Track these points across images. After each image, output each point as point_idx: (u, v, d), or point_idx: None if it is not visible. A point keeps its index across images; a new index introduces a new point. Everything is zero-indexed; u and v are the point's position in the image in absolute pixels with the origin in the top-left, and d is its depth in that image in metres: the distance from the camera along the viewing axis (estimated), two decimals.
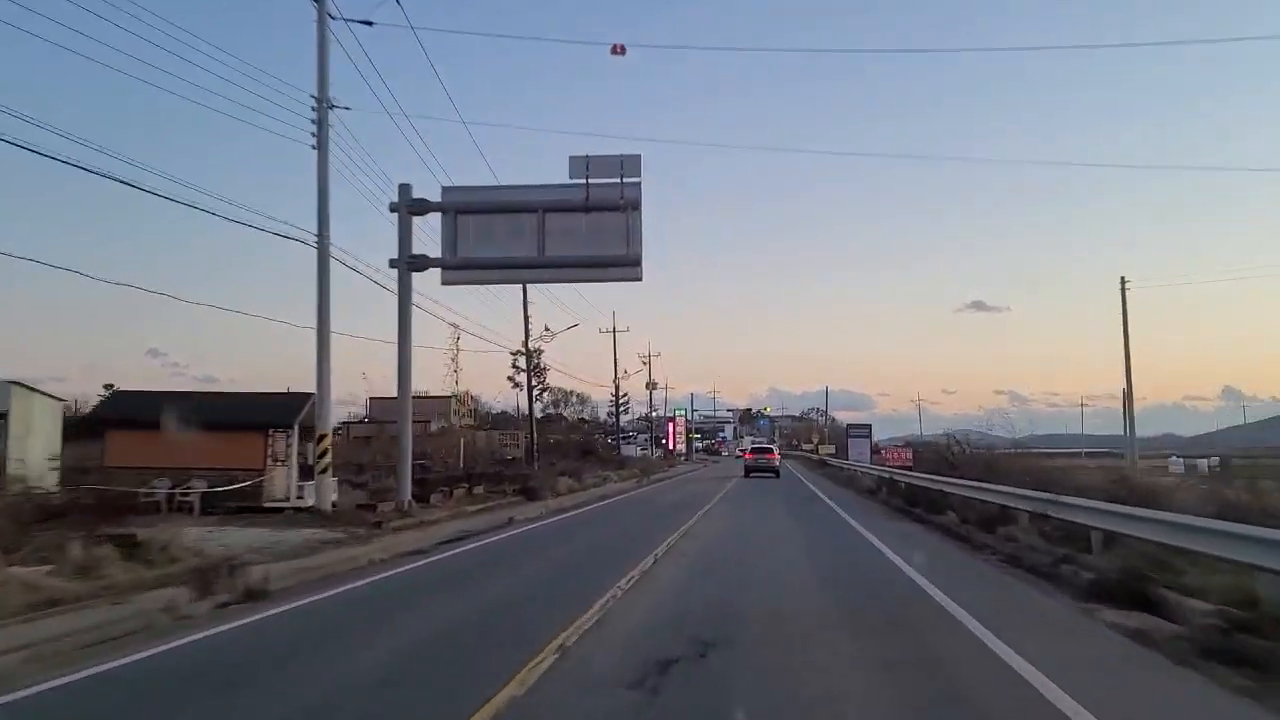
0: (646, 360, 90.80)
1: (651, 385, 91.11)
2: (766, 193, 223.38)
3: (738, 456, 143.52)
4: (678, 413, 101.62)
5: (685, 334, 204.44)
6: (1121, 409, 40.62)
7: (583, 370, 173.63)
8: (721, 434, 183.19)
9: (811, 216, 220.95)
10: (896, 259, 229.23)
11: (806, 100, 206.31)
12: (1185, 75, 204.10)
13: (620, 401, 68.91)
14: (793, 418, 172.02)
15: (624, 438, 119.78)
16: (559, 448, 51.90)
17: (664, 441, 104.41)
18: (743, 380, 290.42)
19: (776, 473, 48.99)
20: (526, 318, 40.41)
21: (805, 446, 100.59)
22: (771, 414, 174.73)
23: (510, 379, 41.40)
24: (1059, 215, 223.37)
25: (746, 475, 47.98)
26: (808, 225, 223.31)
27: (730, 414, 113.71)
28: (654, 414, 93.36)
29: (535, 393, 41.79)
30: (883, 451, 36.02)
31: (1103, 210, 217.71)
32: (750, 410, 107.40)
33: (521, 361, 40.98)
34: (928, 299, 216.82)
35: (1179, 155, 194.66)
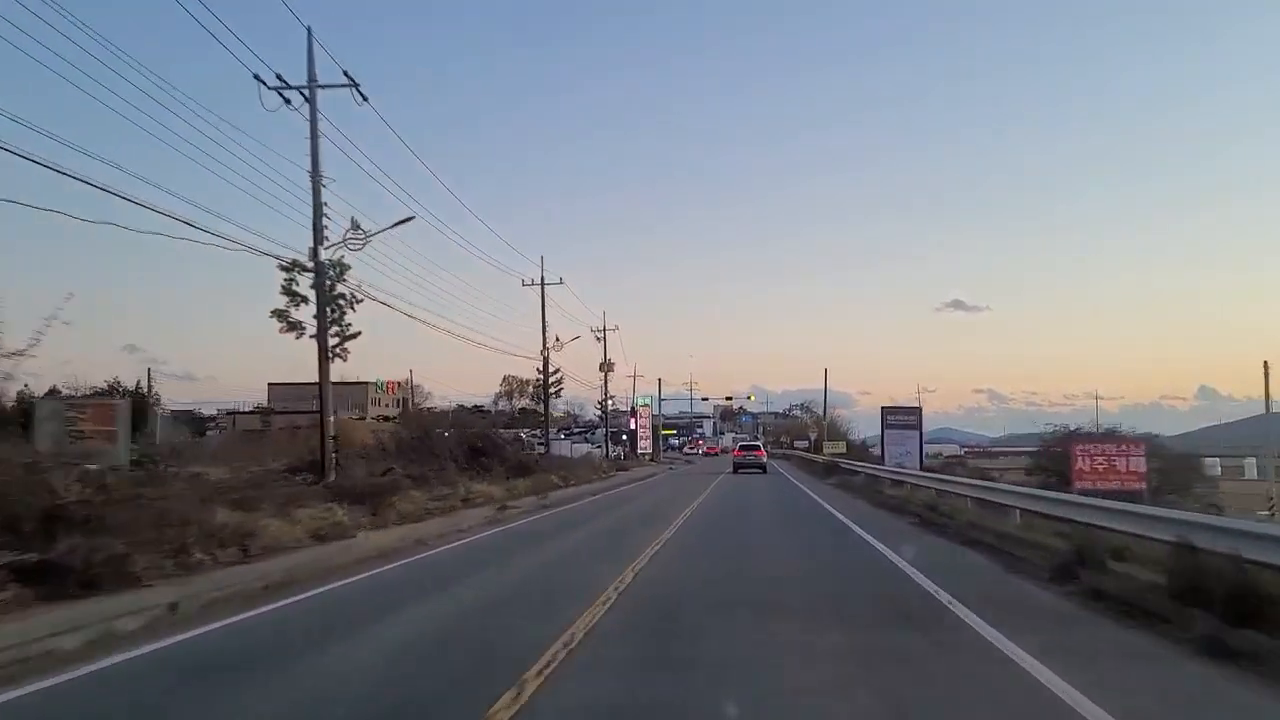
0: (600, 335, 71.84)
1: (606, 367, 72.10)
2: (748, 195, 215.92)
3: (699, 452, 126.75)
4: (642, 403, 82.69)
5: (664, 333, 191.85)
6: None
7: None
8: (699, 430, 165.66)
9: (793, 217, 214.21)
10: (877, 258, 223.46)
11: (786, 100, 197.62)
12: (1167, 80, 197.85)
13: (551, 379, 49.81)
14: (776, 414, 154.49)
15: (579, 432, 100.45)
16: (424, 446, 32.82)
17: (624, 438, 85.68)
18: (723, 379, 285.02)
19: (764, 468, 49.88)
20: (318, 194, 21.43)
21: (799, 445, 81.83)
22: (754, 411, 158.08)
23: (279, 313, 22.10)
24: (1040, 216, 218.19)
25: (735, 471, 48.33)
26: (790, 225, 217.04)
27: (705, 400, 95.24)
28: (610, 401, 74.26)
29: (335, 343, 22.60)
30: (1085, 458, 16.86)
31: (1084, 212, 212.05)
32: (730, 397, 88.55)
33: (303, 282, 21.79)
34: (908, 298, 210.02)
35: (1159, 159, 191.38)
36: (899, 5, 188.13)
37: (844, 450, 50.69)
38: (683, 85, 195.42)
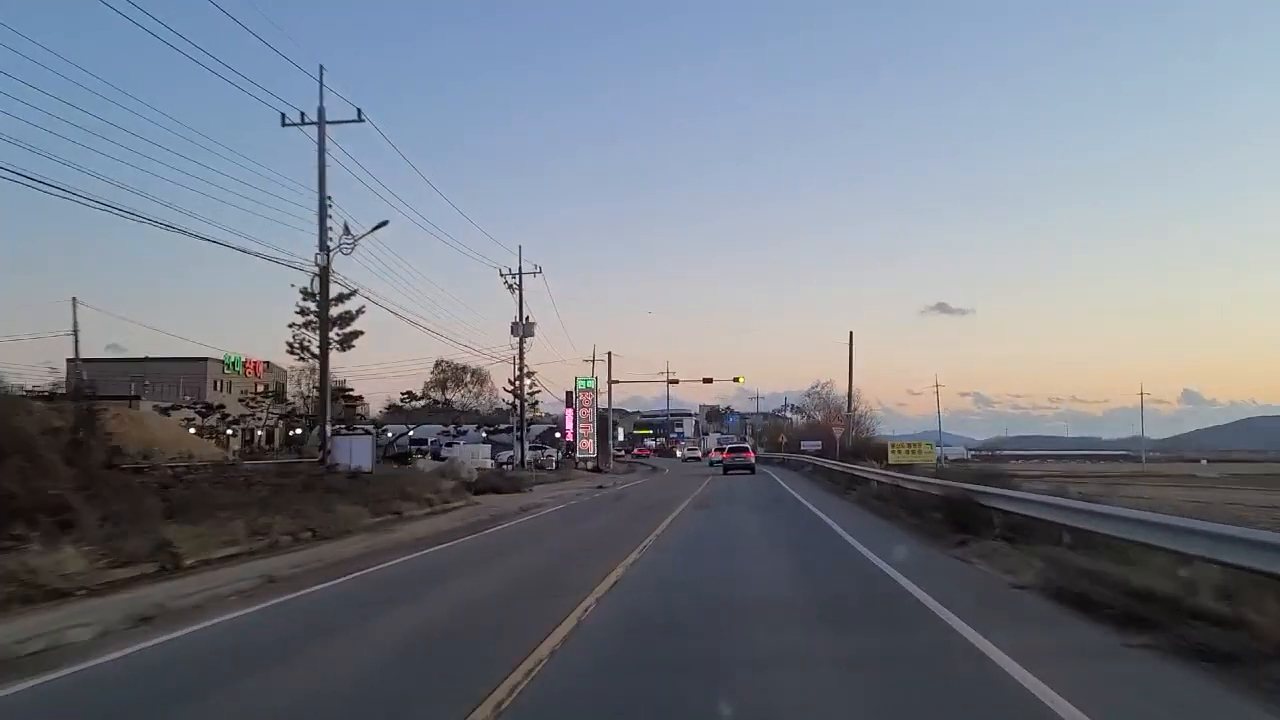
0: (510, 280, 47.27)
1: (522, 328, 47.28)
2: (734, 198, 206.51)
3: (630, 453, 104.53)
4: (583, 385, 57.60)
5: (648, 332, 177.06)
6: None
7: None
8: (678, 431, 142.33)
9: (779, 221, 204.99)
10: (863, 260, 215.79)
11: (776, 109, 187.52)
12: (1157, 90, 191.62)
13: (339, 301, 24.85)
14: (765, 415, 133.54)
15: (506, 430, 75.15)
16: None
17: (559, 437, 61.15)
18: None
19: (752, 469, 48.36)
20: None
21: (808, 447, 56.97)
22: (742, 411, 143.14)
23: None
24: (1025, 221, 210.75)
25: (725, 473, 46.94)
26: (775, 229, 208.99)
27: (676, 382, 70.94)
28: (526, 379, 49.28)
29: None
30: None
31: (1070, 218, 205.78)
32: (709, 379, 63.86)
33: None
34: (893, 300, 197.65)
35: (1146, 167, 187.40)
36: (890, 19, 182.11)
37: (940, 457, 26.39)
38: (677, 95, 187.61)
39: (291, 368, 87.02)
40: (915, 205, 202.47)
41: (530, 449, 61.82)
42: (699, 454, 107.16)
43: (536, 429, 68.07)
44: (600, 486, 34.56)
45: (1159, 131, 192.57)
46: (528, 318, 48.21)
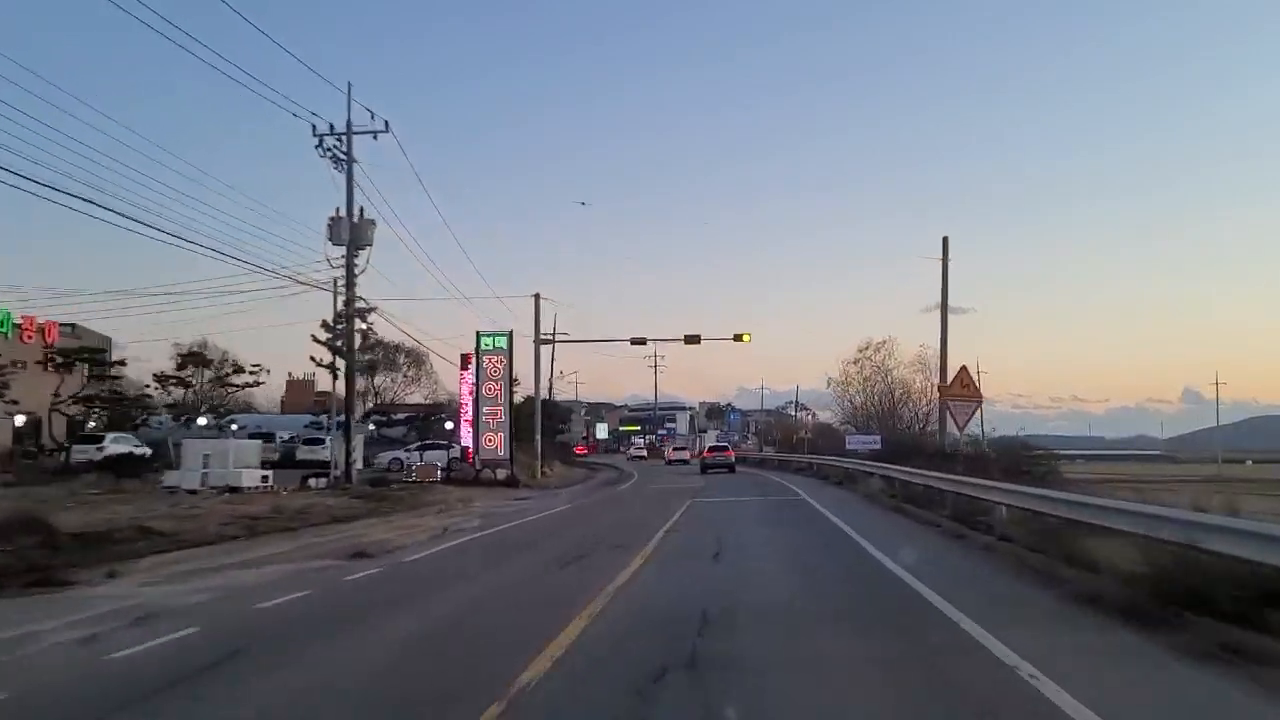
0: (330, 145, 25.62)
1: (350, 227, 25.62)
2: (727, 199, 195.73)
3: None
4: (489, 345, 34.95)
5: (640, 332, 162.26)
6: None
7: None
8: (668, 428, 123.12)
9: (775, 219, 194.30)
10: (862, 260, 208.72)
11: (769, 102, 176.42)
12: (1156, 93, 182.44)
13: None
14: (768, 412, 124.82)
15: (402, 422, 51.25)
16: None
17: (451, 427, 39.35)
18: (707, 381, 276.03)
19: (731, 468, 46.50)
20: None
21: (856, 445, 34.66)
22: (743, 408, 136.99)
23: None
24: (1025, 222, 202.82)
25: (704, 471, 44.72)
26: (770, 228, 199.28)
27: (642, 343, 49.67)
28: (360, 320, 27.33)
29: None
30: None
31: (1069, 219, 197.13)
32: (696, 338, 41.95)
33: None
34: (893, 299, 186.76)
35: (1146, 170, 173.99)
36: (888, 23, 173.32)
37: None
38: (672, 99, 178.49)
39: (179, 347, 62.97)
40: (916, 205, 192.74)
41: (416, 448, 39.78)
42: (644, 453, 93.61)
43: (455, 429, 46.12)
44: (358, 555, 12.34)
45: (1160, 132, 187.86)
46: (362, 211, 26.31)
